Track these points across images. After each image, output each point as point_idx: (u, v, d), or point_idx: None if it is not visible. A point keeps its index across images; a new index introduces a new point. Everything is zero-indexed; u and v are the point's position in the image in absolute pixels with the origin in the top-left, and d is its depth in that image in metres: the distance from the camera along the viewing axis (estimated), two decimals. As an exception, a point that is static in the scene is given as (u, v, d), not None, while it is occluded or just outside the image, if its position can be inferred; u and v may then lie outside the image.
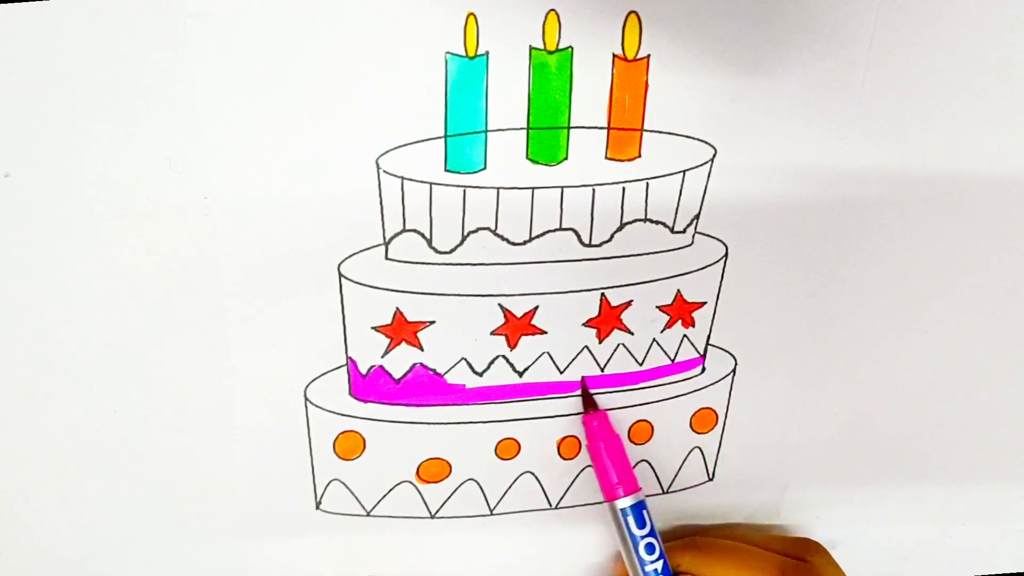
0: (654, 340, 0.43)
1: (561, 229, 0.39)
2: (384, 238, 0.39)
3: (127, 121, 0.35)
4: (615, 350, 0.43)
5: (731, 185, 0.40)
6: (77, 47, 0.33)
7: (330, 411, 0.42)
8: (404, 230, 0.39)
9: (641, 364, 0.43)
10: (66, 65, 0.34)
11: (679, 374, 0.44)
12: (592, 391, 0.43)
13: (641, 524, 0.43)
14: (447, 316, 0.41)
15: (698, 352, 0.44)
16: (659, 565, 0.43)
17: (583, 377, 0.43)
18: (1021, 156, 0.42)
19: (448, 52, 0.35)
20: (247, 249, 0.38)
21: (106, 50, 0.34)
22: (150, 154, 0.36)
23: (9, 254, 0.37)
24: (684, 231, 0.41)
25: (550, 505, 0.46)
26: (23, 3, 0.33)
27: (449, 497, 0.44)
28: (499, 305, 0.41)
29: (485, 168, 0.38)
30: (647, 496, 0.46)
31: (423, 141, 0.37)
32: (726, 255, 0.42)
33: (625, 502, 0.43)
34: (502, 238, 0.39)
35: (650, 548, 0.43)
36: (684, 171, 0.39)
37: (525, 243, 0.39)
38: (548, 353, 0.42)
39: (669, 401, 0.44)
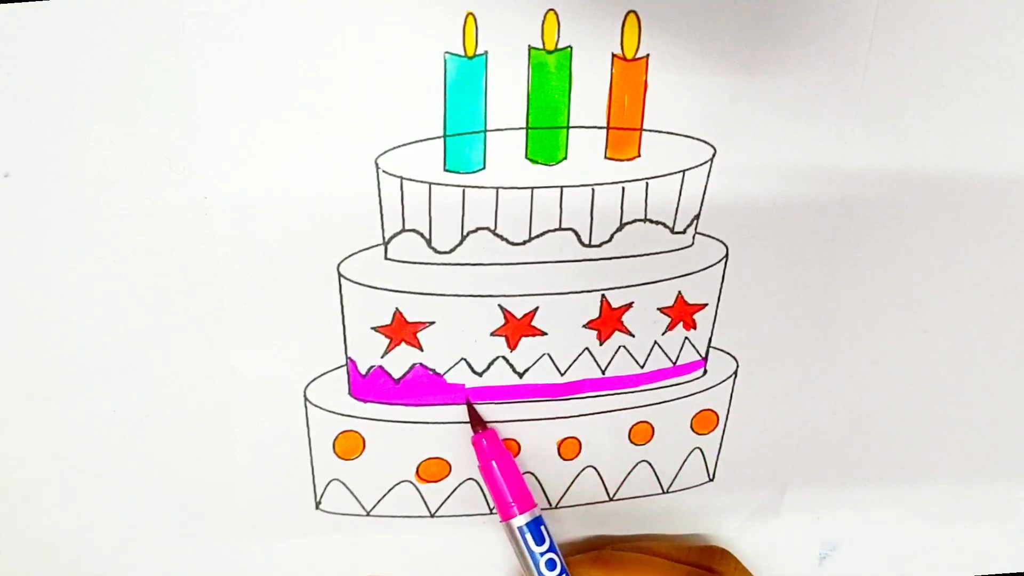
0: (655, 343, 0.43)
1: (561, 229, 0.39)
2: (383, 238, 0.39)
3: (127, 121, 0.35)
4: (616, 352, 0.43)
5: (731, 185, 0.40)
6: (77, 47, 0.33)
7: (330, 411, 0.42)
8: (403, 230, 0.39)
9: (642, 367, 0.43)
10: (66, 65, 0.34)
11: (680, 376, 0.44)
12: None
13: (540, 540, 0.42)
14: (447, 316, 0.41)
15: (699, 355, 0.44)
16: None
17: (467, 398, 0.43)
18: (1021, 156, 0.42)
19: (447, 52, 0.35)
20: (246, 249, 0.38)
21: (106, 50, 0.34)
22: (150, 154, 0.36)
23: (9, 254, 0.37)
24: (684, 231, 0.40)
25: (550, 505, 0.46)
26: (23, 3, 0.33)
27: (449, 496, 0.44)
28: (499, 306, 0.41)
29: (484, 168, 0.38)
30: (648, 496, 0.46)
31: (422, 141, 0.37)
32: (726, 256, 0.41)
33: (521, 520, 0.42)
34: (502, 238, 0.39)
35: (551, 564, 0.42)
36: (684, 171, 0.39)
37: (525, 243, 0.39)
38: (548, 354, 0.42)
39: (670, 403, 0.44)
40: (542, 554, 0.42)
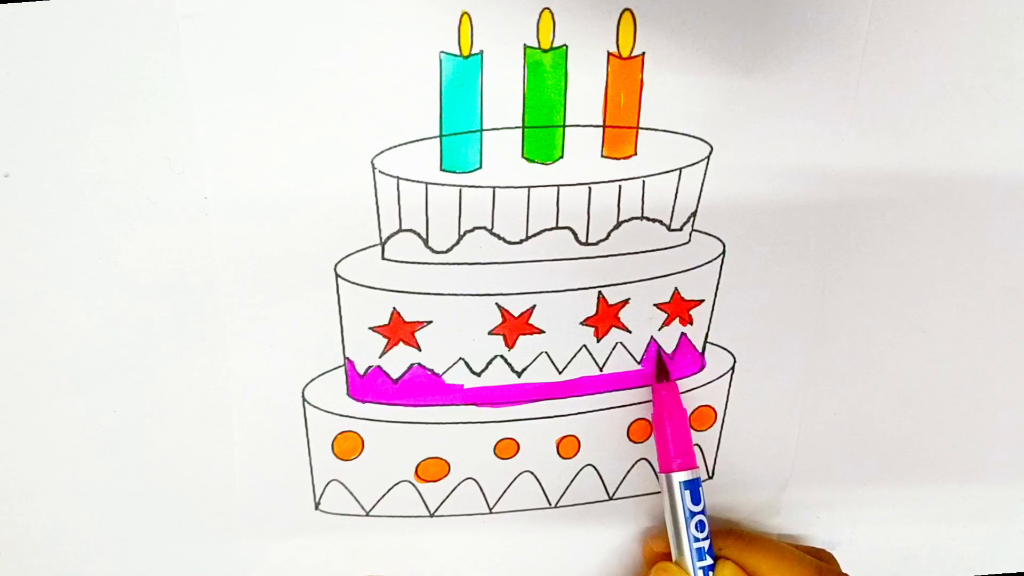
0: (652, 338, 0.43)
1: (558, 228, 0.40)
2: (380, 238, 0.39)
3: (127, 121, 0.35)
4: (613, 348, 0.43)
5: (728, 183, 0.40)
6: (77, 47, 0.34)
7: (328, 412, 0.42)
8: (400, 230, 0.39)
9: (640, 363, 0.43)
10: (66, 65, 0.34)
11: (677, 372, 0.44)
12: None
13: (696, 500, 0.43)
14: (444, 316, 0.41)
15: (697, 350, 0.44)
16: (706, 544, 0.43)
17: (659, 347, 0.43)
18: (1019, 156, 0.42)
19: (442, 51, 0.36)
20: (244, 250, 0.38)
21: (106, 50, 0.34)
22: (150, 154, 0.36)
23: (9, 254, 0.37)
24: (681, 229, 0.41)
25: (549, 504, 0.46)
26: (23, 3, 0.33)
27: (448, 496, 0.44)
28: (496, 304, 0.41)
29: (481, 167, 0.38)
30: (647, 495, 0.46)
31: (418, 141, 0.37)
32: (723, 253, 0.42)
33: (682, 476, 0.43)
34: (498, 237, 0.39)
35: (701, 526, 0.43)
36: (680, 169, 0.39)
37: (521, 242, 0.40)
38: (546, 352, 0.42)
39: (667, 399, 0.44)
40: (694, 514, 0.43)
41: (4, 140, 0.35)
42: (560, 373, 0.43)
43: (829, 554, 0.47)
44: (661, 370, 0.43)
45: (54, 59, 0.34)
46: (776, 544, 0.44)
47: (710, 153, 0.39)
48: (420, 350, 0.41)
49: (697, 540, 0.43)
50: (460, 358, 0.42)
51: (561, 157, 0.38)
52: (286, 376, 0.41)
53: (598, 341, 0.42)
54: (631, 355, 0.43)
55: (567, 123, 0.38)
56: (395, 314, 0.40)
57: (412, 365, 0.42)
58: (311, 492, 0.44)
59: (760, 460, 0.47)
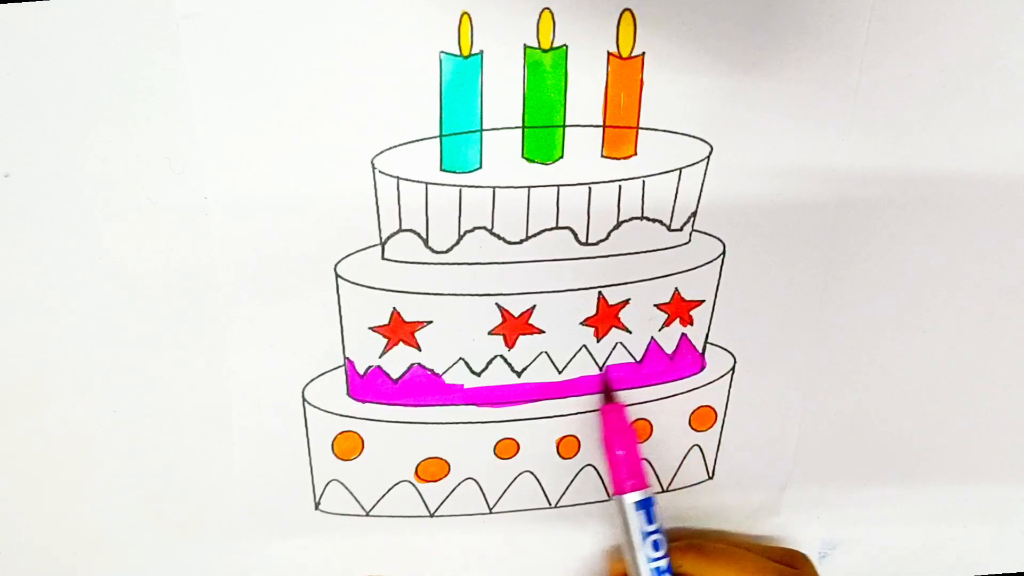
0: (652, 338, 0.43)
1: (558, 228, 0.40)
2: (380, 238, 0.39)
3: (127, 121, 0.35)
4: (613, 349, 0.43)
5: (728, 183, 0.40)
6: (77, 47, 0.34)
7: (328, 411, 0.42)
8: (400, 230, 0.39)
9: (640, 363, 0.43)
10: (66, 65, 0.34)
11: (678, 372, 0.44)
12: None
13: (650, 520, 0.43)
14: (444, 316, 0.41)
15: (697, 350, 0.44)
16: (663, 563, 0.43)
17: (606, 368, 0.43)
18: (1020, 156, 0.42)
19: (442, 51, 0.36)
20: (244, 250, 0.38)
21: (106, 50, 0.34)
22: (150, 154, 0.36)
23: (9, 254, 0.37)
24: (681, 229, 0.41)
25: (549, 504, 0.46)
26: (23, 3, 0.33)
27: (448, 496, 0.44)
28: (496, 304, 0.41)
29: (481, 167, 0.38)
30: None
31: (418, 141, 0.37)
32: (724, 253, 0.42)
33: (634, 497, 0.43)
34: (498, 237, 0.39)
35: (656, 545, 0.43)
36: (680, 169, 0.39)
37: (521, 242, 0.40)
38: (546, 352, 0.42)
39: (668, 399, 0.44)
40: (649, 534, 0.43)
41: (4, 140, 0.35)
42: (560, 373, 0.43)
43: (803, 556, 0.46)
44: (607, 394, 0.43)
45: (54, 59, 0.34)
46: (736, 555, 0.44)
47: (710, 153, 0.39)
48: (420, 350, 0.41)
49: (654, 560, 0.43)
50: (460, 358, 0.42)
51: (561, 157, 0.38)
52: (286, 376, 0.41)
53: (598, 341, 0.42)
54: (631, 355, 0.43)
55: (567, 123, 0.38)
56: (395, 314, 0.40)
57: (412, 365, 0.42)
58: (311, 492, 0.44)
59: (761, 460, 0.47)
